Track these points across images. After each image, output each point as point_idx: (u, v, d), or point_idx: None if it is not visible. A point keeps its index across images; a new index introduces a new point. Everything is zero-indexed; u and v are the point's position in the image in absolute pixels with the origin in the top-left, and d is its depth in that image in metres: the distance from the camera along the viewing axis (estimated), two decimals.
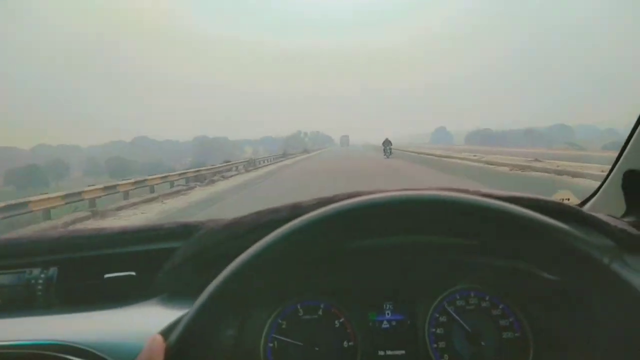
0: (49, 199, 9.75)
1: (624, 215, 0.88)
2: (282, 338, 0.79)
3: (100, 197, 11.47)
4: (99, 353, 0.64)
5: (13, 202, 8.93)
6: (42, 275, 0.81)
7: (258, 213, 0.73)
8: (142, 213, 10.05)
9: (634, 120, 0.91)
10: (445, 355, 0.77)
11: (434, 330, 0.79)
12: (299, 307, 0.81)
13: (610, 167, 0.98)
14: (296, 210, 0.66)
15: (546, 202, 0.60)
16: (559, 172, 12.51)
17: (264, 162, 29.50)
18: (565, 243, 0.47)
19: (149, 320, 0.68)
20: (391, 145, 31.18)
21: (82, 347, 0.65)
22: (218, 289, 0.49)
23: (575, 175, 11.38)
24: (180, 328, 0.49)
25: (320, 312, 0.80)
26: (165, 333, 0.50)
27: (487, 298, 0.80)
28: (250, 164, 24.66)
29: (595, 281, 0.49)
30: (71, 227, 7.09)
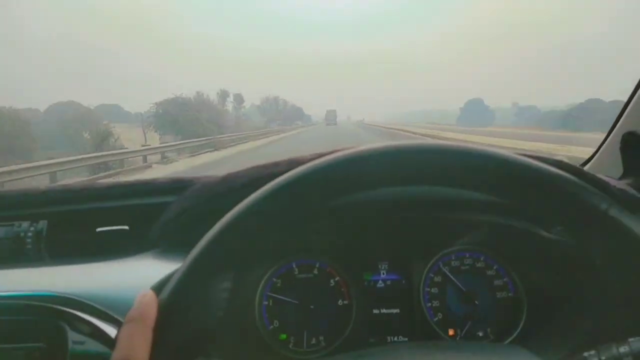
0: None
1: (621, 177, 0.88)
2: (277, 296, 0.79)
3: None
4: (92, 304, 0.63)
5: None
6: (32, 229, 0.79)
7: (255, 167, 0.72)
8: None
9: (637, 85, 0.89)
10: (440, 314, 0.78)
11: (428, 289, 0.80)
12: (294, 265, 0.81)
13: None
14: (294, 164, 0.63)
15: (546, 159, 0.58)
16: None
17: None
18: (568, 192, 0.46)
19: (142, 273, 0.68)
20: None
21: (75, 298, 0.64)
22: (209, 244, 0.47)
23: None
24: (172, 283, 0.47)
25: (315, 271, 0.81)
26: (157, 288, 0.48)
27: (482, 258, 0.81)
28: None
29: (596, 233, 0.47)
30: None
